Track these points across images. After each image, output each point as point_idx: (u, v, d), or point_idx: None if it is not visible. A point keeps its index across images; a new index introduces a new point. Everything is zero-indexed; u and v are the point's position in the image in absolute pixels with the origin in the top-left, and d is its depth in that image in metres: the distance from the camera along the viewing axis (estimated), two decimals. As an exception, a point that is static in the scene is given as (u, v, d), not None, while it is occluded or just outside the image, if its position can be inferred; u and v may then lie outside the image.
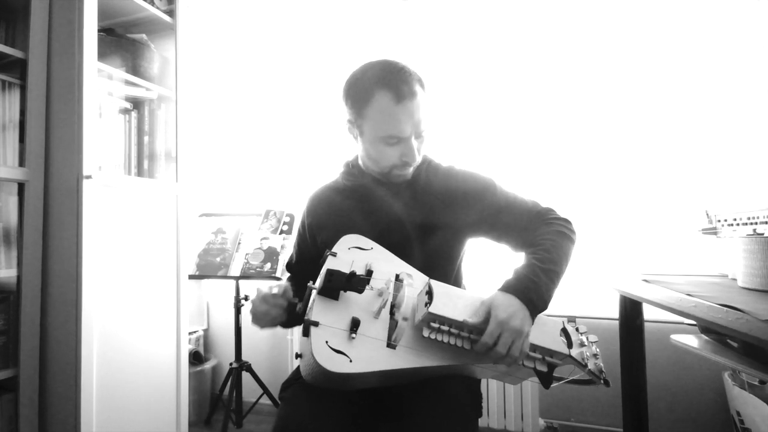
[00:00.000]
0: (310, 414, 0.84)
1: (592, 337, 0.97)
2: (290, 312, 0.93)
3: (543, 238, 0.94)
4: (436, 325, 0.82)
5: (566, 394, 1.81)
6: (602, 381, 0.93)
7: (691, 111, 1.75)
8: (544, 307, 0.85)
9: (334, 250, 0.95)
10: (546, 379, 0.89)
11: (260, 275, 1.89)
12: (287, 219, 2.03)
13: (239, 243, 2.00)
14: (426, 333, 0.82)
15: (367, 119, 0.95)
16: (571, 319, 0.98)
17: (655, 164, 1.80)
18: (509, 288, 0.85)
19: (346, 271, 0.87)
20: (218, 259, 1.97)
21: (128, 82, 1.61)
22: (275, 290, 0.92)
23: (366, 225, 1.01)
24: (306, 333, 0.81)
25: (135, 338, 1.56)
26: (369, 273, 0.92)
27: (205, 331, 2.32)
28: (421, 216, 1.01)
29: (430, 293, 0.85)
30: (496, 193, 1.03)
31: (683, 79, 1.75)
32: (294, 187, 2.19)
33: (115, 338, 1.48)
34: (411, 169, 1.01)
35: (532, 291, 0.84)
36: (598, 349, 0.96)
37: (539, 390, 1.73)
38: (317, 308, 0.85)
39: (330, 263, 0.91)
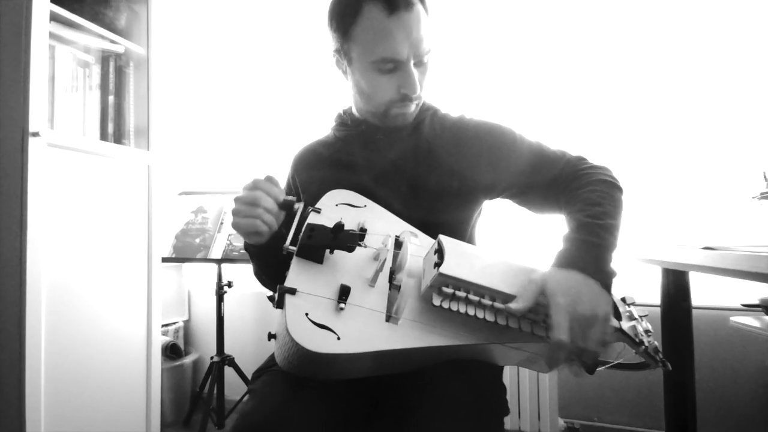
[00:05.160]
0: (281, 410, 0.64)
1: (641, 310, 0.77)
2: (285, 214, 0.75)
3: (587, 190, 0.76)
4: (449, 291, 0.62)
5: (588, 390, 1.61)
6: (660, 363, 0.72)
7: (746, 67, 1.54)
8: (615, 274, 0.66)
9: (318, 205, 0.77)
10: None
11: (244, 258, 1.69)
12: (275, 197, 1.83)
13: (222, 223, 1.80)
14: (437, 301, 0.62)
15: (355, 41, 0.78)
16: None
17: (703, 123, 1.58)
18: (568, 261, 0.65)
19: None
20: (198, 241, 1.76)
21: (89, 31, 1.39)
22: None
23: (359, 180, 0.84)
24: (280, 304, 0.62)
25: (95, 329, 1.35)
26: (362, 231, 0.73)
27: (186, 322, 2.11)
28: (427, 171, 0.84)
29: (440, 251, 0.65)
30: (517, 142, 0.87)
31: (735, 39, 1.55)
32: (284, 162, 1.99)
33: (69, 329, 1.28)
34: (413, 107, 0.84)
35: (600, 258, 0.65)
36: (649, 324, 0.77)
37: (559, 385, 1.54)
38: (295, 272, 0.65)
39: (312, 220, 0.72)
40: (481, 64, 1.84)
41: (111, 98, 1.45)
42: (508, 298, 0.63)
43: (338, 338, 0.58)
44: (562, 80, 1.77)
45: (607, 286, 0.63)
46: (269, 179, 0.72)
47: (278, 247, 0.70)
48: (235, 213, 0.71)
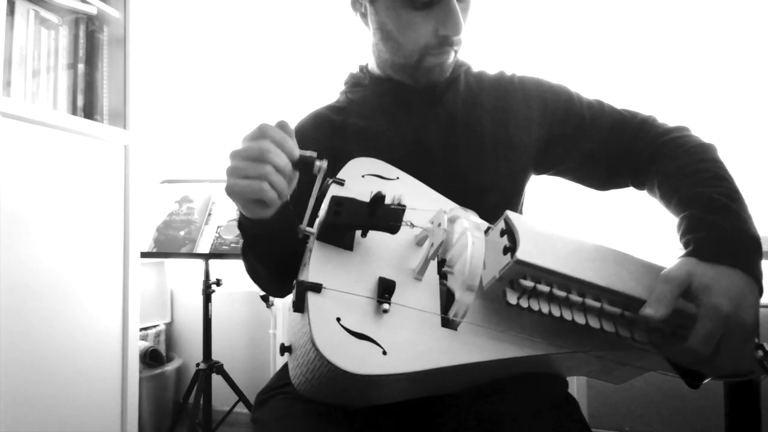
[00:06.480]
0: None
1: None
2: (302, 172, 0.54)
3: (698, 159, 0.60)
4: (528, 284, 0.46)
5: (619, 398, 1.47)
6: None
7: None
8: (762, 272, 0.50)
9: (340, 176, 0.61)
10: (691, 372, 0.53)
11: (235, 252, 1.51)
12: (269, 186, 1.66)
13: (209, 214, 1.62)
14: (512, 298, 0.47)
15: None
16: None
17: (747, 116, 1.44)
18: (716, 253, 0.48)
19: None
20: (182, 233, 1.58)
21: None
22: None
23: (380, 152, 0.68)
24: (300, 306, 0.45)
25: (61, 333, 1.16)
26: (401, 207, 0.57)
27: (168, 325, 1.92)
28: (465, 139, 0.70)
29: (509, 232, 0.50)
30: (574, 101, 0.73)
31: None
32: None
33: (29, 333, 1.08)
34: (452, 56, 0.69)
35: (751, 252, 0.49)
36: None
37: (588, 393, 1.40)
38: (317, 263, 0.49)
39: (335, 193, 0.56)
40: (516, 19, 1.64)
41: (81, 66, 1.26)
42: (605, 293, 0.47)
43: (384, 352, 0.41)
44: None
45: (761, 290, 0.48)
46: (282, 125, 0.52)
47: (287, 228, 0.54)
48: (232, 172, 0.52)
